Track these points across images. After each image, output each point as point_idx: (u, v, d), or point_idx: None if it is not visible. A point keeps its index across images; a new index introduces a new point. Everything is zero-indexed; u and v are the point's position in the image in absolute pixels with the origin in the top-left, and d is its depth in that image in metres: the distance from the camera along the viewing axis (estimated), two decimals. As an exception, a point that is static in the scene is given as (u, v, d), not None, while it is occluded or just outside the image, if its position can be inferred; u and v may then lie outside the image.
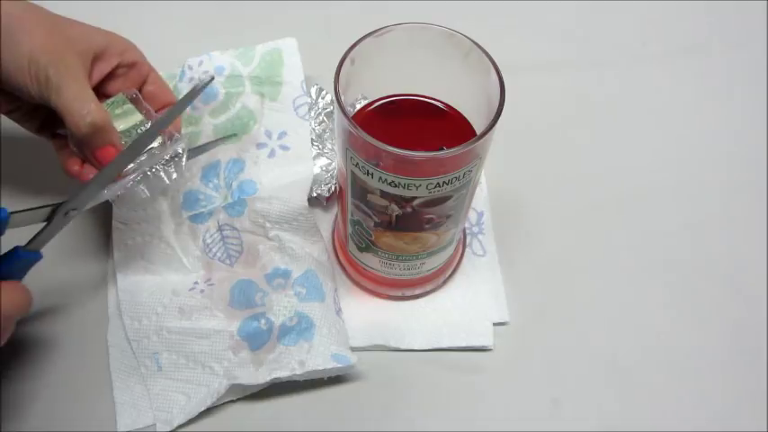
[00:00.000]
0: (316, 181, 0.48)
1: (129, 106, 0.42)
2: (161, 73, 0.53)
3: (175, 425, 0.41)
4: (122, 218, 0.48)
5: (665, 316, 0.47)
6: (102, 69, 0.42)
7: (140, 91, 0.45)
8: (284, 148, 0.50)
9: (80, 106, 0.38)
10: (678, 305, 0.47)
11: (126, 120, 0.42)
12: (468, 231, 0.49)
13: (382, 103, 0.40)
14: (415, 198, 0.35)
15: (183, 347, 0.43)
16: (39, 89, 0.38)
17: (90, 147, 0.39)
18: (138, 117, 0.42)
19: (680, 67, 0.60)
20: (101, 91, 0.43)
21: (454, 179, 0.34)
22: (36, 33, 0.39)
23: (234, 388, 0.42)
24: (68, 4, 0.59)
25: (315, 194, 0.48)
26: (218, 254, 0.46)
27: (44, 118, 0.44)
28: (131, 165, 0.41)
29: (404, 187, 0.34)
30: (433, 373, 0.44)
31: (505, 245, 0.49)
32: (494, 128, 0.33)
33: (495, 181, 0.51)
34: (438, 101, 0.40)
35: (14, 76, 0.38)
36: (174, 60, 0.52)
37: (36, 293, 0.35)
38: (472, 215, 0.50)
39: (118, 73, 0.44)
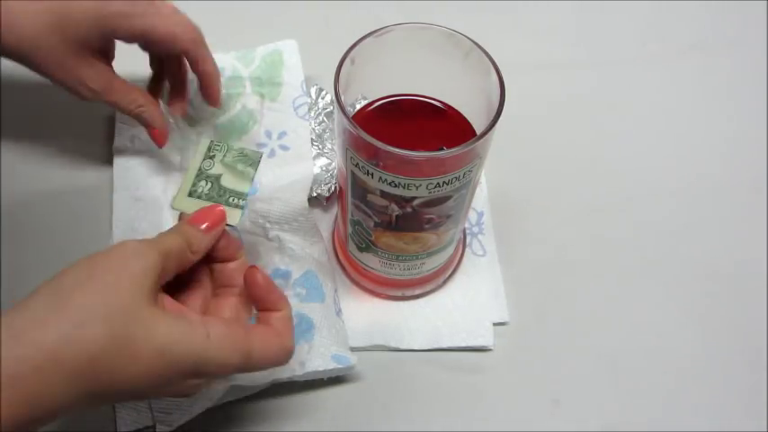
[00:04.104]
0: (316, 181, 0.48)
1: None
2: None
3: (175, 425, 0.41)
4: (123, 217, 0.48)
5: (666, 316, 0.47)
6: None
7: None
8: (284, 148, 0.50)
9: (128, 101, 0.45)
10: (678, 305, 0.47)
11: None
12: (468, 231, 0.49)
13: (382, 103, 0.40)
14: (415, 198, 0.35)
15: (182, 348, 0.42)
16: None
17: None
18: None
19: (680, 67, 0.59)
20: None
21: (454, 179, 0.34)
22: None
23: (234, 389, 0.41)
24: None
25: (315, 194, 0.48)
26: (218, 254, 0.46)
27: None
28: None
29: (404, 187, 0.34)
30: (433, 373, 0.44)
31: (505, 245, 0.49)
32: (494, 128, 0.33)
33: (495, 181, 0.51)
34: (438, 101, 0.40)
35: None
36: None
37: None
38: (472, 215, 0.50)
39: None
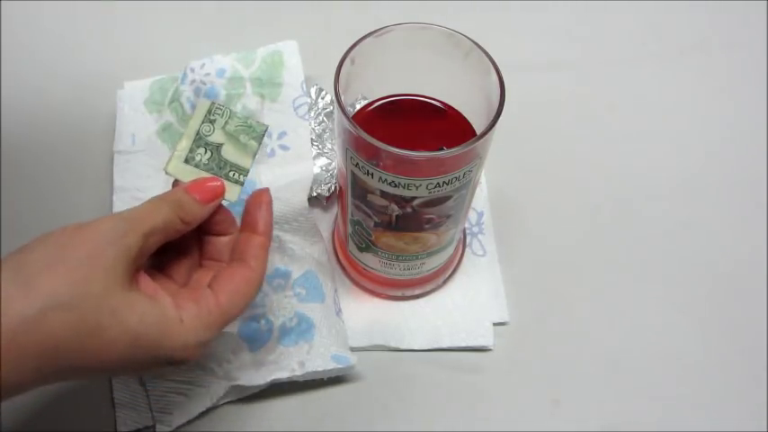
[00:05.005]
0: (316, 181, 0.48)
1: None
2: (163, 75, 0.53)
3: (175, 425, 0.41)
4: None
5: (666, 316, 0.47)
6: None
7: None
8: (284, 148, 0.50)
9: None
10: (678, 305, 0.47)
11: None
12: (468, 231, 0.49)
13: (382, 103, 0.40)
14: (415, 198, 0.35)
15: (182, 348, 0.42)
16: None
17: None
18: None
19: (680, 67, 0.59)
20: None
21: (454, 179, 0.34)
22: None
23: (234, 389, 0.42)
24: (72, 5, 0.59)
25: (315, 194, 0.48)
26: (219, 254, 0.46)
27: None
28: None
29: (404, 187, 0.34)
30: (432, 373, 0.44)
31: (505, 245, 0.49)
32: (494, 128, 0.33)
33: (495, 181, 0.51)
34: (438, 101, 0.40)
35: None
36: (176, 63, 0.52)
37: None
38: (472, 215, 0.50)
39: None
